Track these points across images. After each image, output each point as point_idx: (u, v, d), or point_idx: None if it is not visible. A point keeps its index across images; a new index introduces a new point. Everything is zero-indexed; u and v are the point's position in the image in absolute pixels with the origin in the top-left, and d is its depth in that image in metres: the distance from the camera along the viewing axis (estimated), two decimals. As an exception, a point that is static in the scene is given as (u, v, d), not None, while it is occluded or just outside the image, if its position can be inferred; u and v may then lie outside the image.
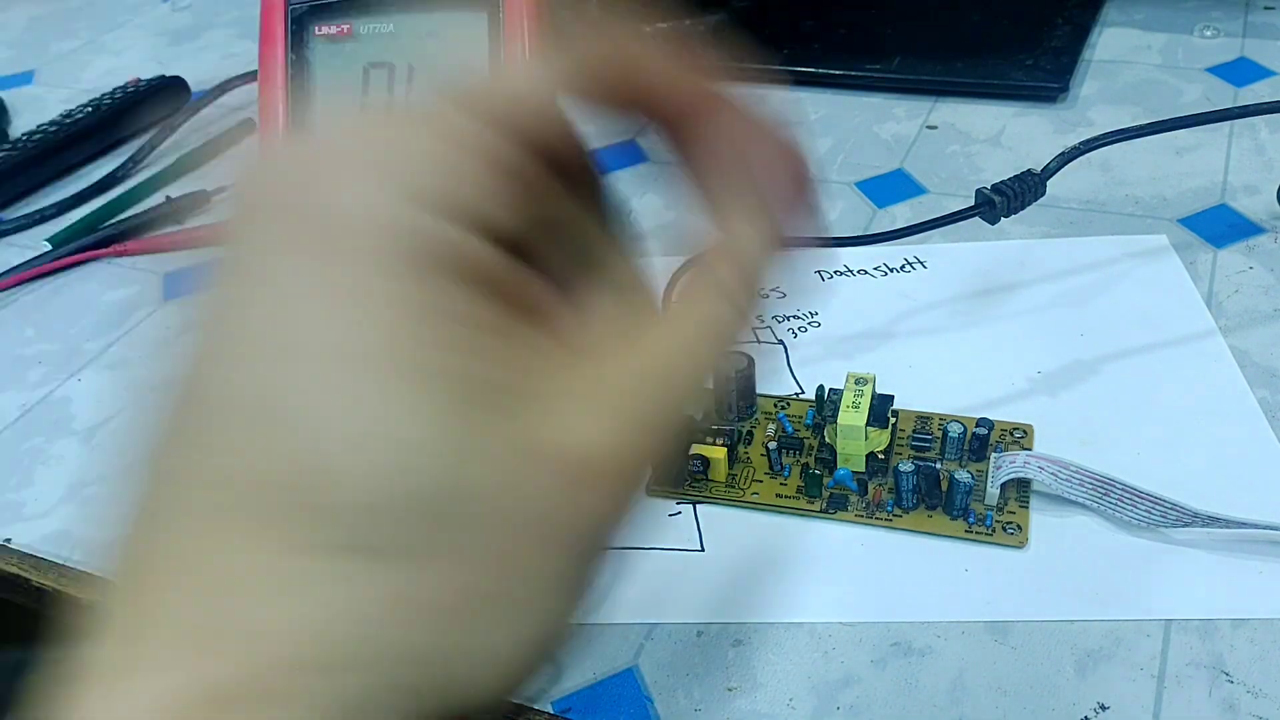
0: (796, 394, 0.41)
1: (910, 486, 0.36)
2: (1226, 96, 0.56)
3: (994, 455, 0.36)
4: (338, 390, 0.15)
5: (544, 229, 0.17)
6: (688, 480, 0.37)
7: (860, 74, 0.60)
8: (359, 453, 0.14)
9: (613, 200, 0.20)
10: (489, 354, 0.16)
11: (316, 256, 0.15)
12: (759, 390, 0.40)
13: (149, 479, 0.16)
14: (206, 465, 0.15)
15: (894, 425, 0.38)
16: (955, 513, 0.35)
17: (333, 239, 0.15)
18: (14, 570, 0.39)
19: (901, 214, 0.51)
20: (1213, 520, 0.33)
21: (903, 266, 0.47)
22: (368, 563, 0.14)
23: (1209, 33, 0.62)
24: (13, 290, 0.53)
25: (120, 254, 0.54)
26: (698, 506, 0.37)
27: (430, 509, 0.15)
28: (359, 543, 0.14)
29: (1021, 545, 0.35)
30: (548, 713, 0.32)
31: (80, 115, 0.63)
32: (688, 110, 0.19)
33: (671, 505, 0.37)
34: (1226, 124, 0.53)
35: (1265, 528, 0.33)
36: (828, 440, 0.37)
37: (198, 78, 0.68)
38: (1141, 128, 0.41)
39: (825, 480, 0.37)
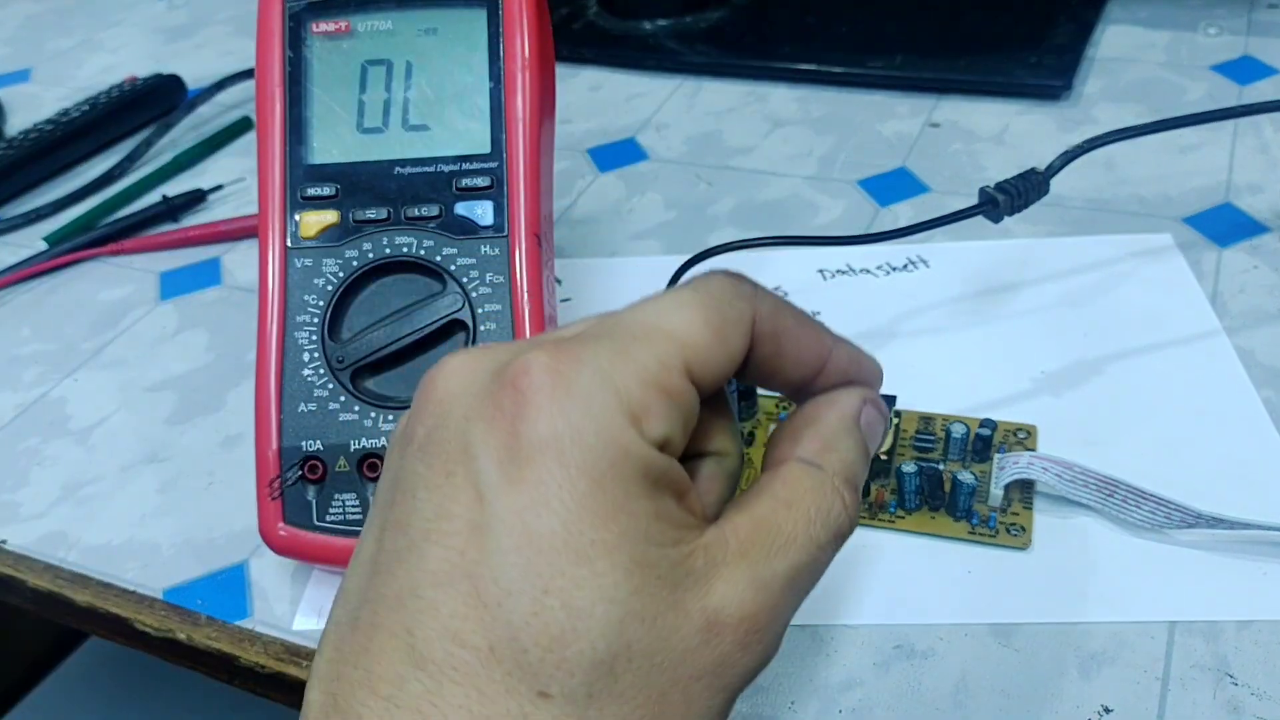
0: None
1: (913, 488, 0.35)
2: (1230, 95, 0.56)
3: (997, 456, 0.36)
4: (570, 573, 0.19)
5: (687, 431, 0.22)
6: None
7: (862, 71, 0.60)
8: (576, 621, 0.19)
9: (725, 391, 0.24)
10: (669, 541, 0.20)
11: (557, 465, 0.19)
12: (760, 390, 0.40)
13: (354, 630, 0.20)
14: (439, 621, 0.19)
15: (897, 426, 0.38)
16: (958, 514, 0.35)
17: (573, 451, 0.19)
18: (9, 572, 0.39)
19: (904, 213, 0.50)
20: (1217, 521, 0.33)
21: (905, 266, 0.47)
22: (565, 705, 0.19)
23: (1213, 31, 0.61)
24: (8, 289, 0.53)
25: (116, 253, 0.54)
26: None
27: (614, 664, 0.19)
28: (557, 690, 0.19)
29: (1025, 547, 0.34)
30: None
31: (76, 113, 0.62)
32: (815, 371, 0.24)
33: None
34: (1231, 122, 0.53)
35: (1270, 529, 0.33)
36: (829, 441, 0.37)
37: (194, 76, 0.68)
38: (1145, 126, 0.40)
39: (827, 481, 0.37)
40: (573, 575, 0.19)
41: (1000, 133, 0.55)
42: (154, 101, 0.65)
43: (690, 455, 0.23)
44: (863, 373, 0.25)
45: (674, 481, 0.21)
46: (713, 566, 0.20)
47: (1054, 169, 0.40)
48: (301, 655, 0.35)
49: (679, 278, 0.41)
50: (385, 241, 0.36)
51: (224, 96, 0.64)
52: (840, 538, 0.22)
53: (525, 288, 0.35)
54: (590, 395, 0.20)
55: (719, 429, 0.23)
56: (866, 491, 0.36)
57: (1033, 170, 0.40)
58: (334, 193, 0.36)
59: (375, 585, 0.20)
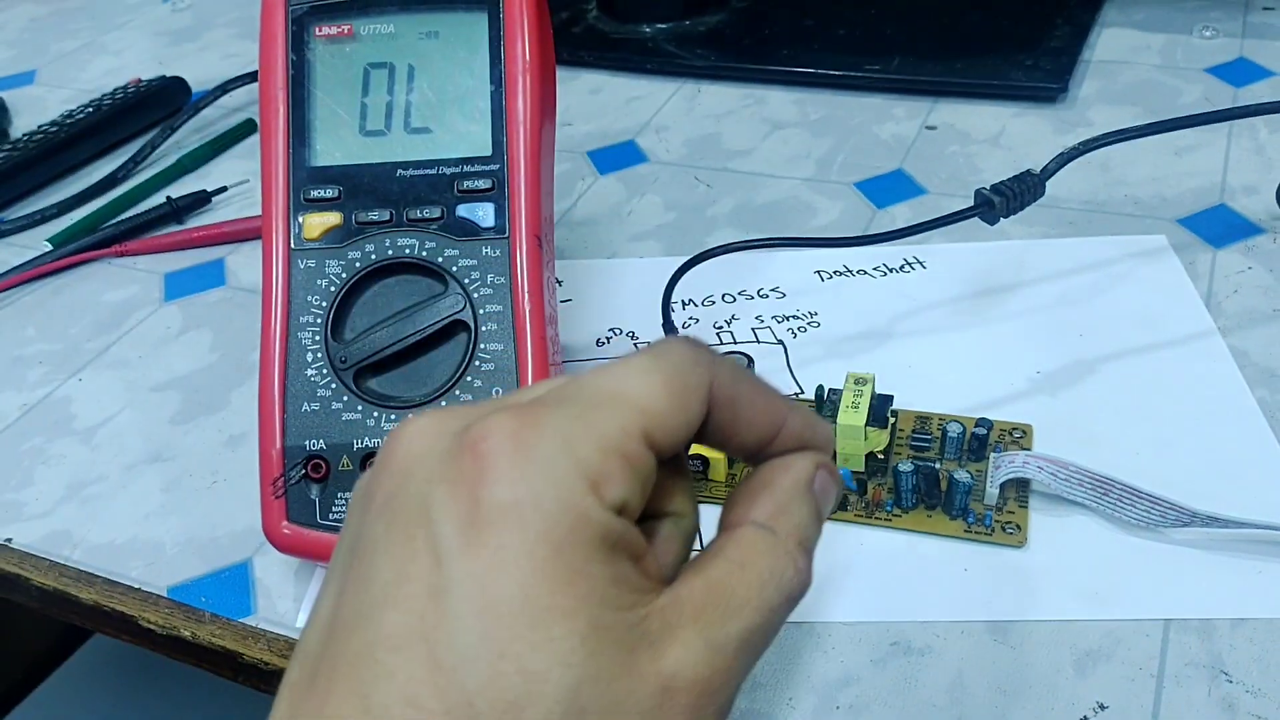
0: (796, 394, 0.41)
1: (910, 486, 0.36)
2: (1225, 97, 0.56)
3: (993, 455, 0.36)
4: (527, 638, 0.19)
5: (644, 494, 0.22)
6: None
7: (860, 74, 0.60)
8: (532, 685, 0.19)
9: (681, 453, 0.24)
10: (626, 605, 0.20)
11: (516, 530, 0.19)
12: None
13: (311, 692, 0.20)
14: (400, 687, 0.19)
15: (893, 425, 0.38)
16: (954, 512, 0.35)
17: (533, 517, 0.20)
18: (15, 570, 0.39)
19: (901, 214, 0.51)
20: (1212, 520, 0.33)
21: (902, 267, 0.47)
22: None
23: (1208, 33, 0.62)
24: (13, 290, 0.53)
25: (121, 254, 0.55)
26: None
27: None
28: None
29: (1021, 545, 0.35)
30: None
31: (81, 115, 0.63)
32: (770, 436, 0.24)
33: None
34: (1225, 124, 0.53)
35: (1264, 527, 0.33)
36: (827, 440, 0.37)
37: (198, 78, 0.68)
38: (1141, 128, 0.41)
39: (825, 480, 0.37)
40: (529, 640, 0.19)
41: (996, 135, 0.55)
42: (158, 104, 0.65)
43: (647, 516, 0.23)
44: (816, 438, 0.25)
45: (631, 545, 0.21)
46: (668, 629, 0.21)
47: (1050, 171, 0.40)
48: (305, 652, 0.35)
49: (678, 279, 0.42)
50: (388, 243, 0.36)
51: (228, 99, 0.65)
52: (792, 601, 0.23)
53: (526, 289, 0.35)
54: (551, 461, 0.20)
55: (676, 490, 0.24)
56: (864, 490, 0.37)
57: (1028, 172, 0.40)
58: (337, 195, 0.36)
59: (332, 646, 0.20)
